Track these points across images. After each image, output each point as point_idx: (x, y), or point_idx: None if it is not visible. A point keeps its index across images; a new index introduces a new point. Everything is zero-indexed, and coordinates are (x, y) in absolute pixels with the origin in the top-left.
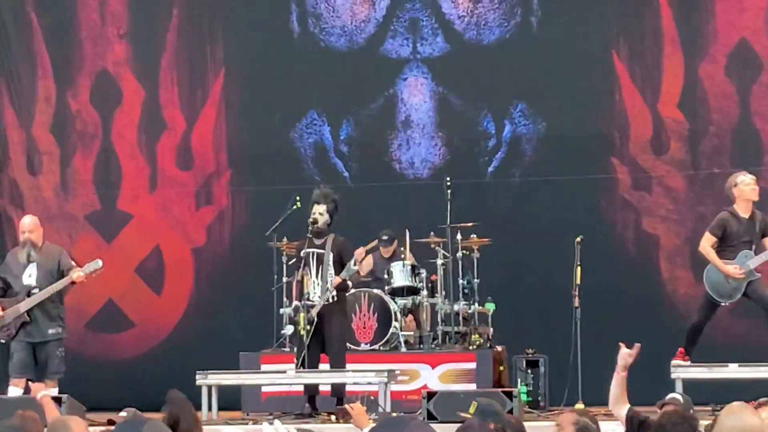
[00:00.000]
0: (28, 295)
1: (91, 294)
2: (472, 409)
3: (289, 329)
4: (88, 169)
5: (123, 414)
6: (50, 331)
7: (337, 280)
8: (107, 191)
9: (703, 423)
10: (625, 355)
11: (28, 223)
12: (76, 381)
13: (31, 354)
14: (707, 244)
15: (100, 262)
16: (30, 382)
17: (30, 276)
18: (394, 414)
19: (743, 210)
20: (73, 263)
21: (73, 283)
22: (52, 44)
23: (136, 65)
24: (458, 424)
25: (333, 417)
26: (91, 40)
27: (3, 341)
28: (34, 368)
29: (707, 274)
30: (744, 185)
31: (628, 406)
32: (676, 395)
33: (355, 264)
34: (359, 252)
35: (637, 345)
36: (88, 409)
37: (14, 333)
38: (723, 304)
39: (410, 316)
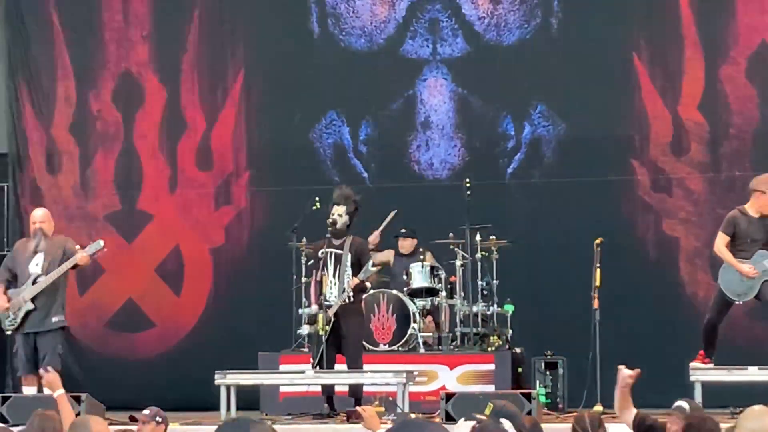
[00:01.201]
0: (33, 283)
1: (112, 293)
2: (487, 411)
3: (305, 329)
4: (108, 169)
5: (146, 412)
6: (54, 319)
7: (354, 281)
8: (128, 191)
9: (724, 426)
10: (626, 377)
11: (40, 214)
12: (96, 380)
13: (33, 346)
14: (721, 243)
15: (101, 242)
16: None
17: (36, 265)
18: (413, 415)
19: (754, 211)
20: (77, 247)
21: (75, 266)
22: (73, 45)
23: (158, 66)
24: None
25: (347, 417)
26: (114, 42)
27: (9, 333)
28: (37, 361)
29: (722, 273)
30: (766, 198)
31: (635, 411)
32: (682, 403)
33: (372, 265)
34: (374, 236)
35: (637, 370)
36: (108, 408)
37: (20, 323)
38: (737, 302)
39: (429, 318)
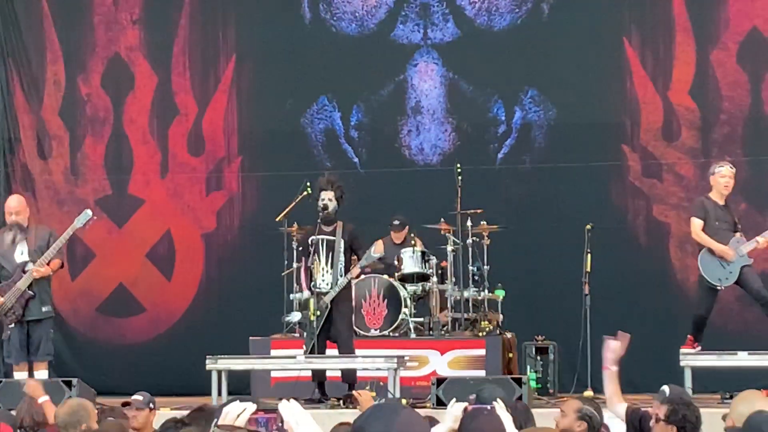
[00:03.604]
0: (23, 271)
1: (102, 278)
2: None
3: (294, 316)
4: (99, 153)
5: (138, 398)
6: (44, 309)
7: (357, 270)
8: (118, 176)
9: (713, 411)
10: (615, 347)
11: (14, 205)
12: (87, 365)
13: (25, 334)
14: (697, 227)
15: (89, 212)
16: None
17: (22, 254)
18: (404, 401)
19: (718, 198)
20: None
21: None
22: (62, 29)
23: (149, 50)
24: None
25: (341, 402)
26: (104, 25)
27: (12, 325)
28: (29, 348)
29: (701, 259)
30: (720, 177)
31: (626, 404)
32: (664, 388)
33: (375, 252)
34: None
35: (626, 335)
36: (98, 393)
37: (22, 313)
38: (719, 288)
39: (444, 312)
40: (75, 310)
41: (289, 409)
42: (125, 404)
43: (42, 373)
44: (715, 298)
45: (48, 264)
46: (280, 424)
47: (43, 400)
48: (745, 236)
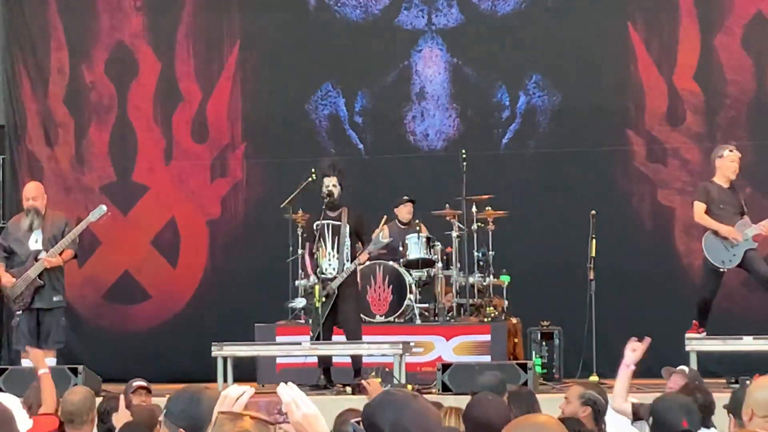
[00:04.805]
0: (36, 259)
1: (108, 265)
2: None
3: (298, 302)
4: (103, 141)
5: (138, 383)
6: (55, 299)
7: (365, 256)
8: (123, 163)
9: (719, 396)
10: (639, 348)
11: (32, 189)
12: (93, 352)
13: (35, 321)
14: (700, 210)
15: (104, 207)
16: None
17: (36, 241)
18: (409, 387)
19: (723, 182)
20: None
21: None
22: (66, 16)
23: (153, 38)
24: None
25: (348, 389)
26: (108, 13)
27: (20, 312)
28: (39, 335)
29: (705, 242)
30: (729, 161)
31: (631, 402)
32: (684, 367)
33: (383, 237)
34: (387, 232)
35: (648, 339)
36: (105, 380)
37: (30, 301)
38: (723, 270)
39: (449, 295)
40: (82, 297)
41: (288, 391)
42: (139, 389)
43: (50, 360)
44: (720, 281)
45: (60, 254)
46: (280, 407)
47: (43, 372)
48: (751, 220)
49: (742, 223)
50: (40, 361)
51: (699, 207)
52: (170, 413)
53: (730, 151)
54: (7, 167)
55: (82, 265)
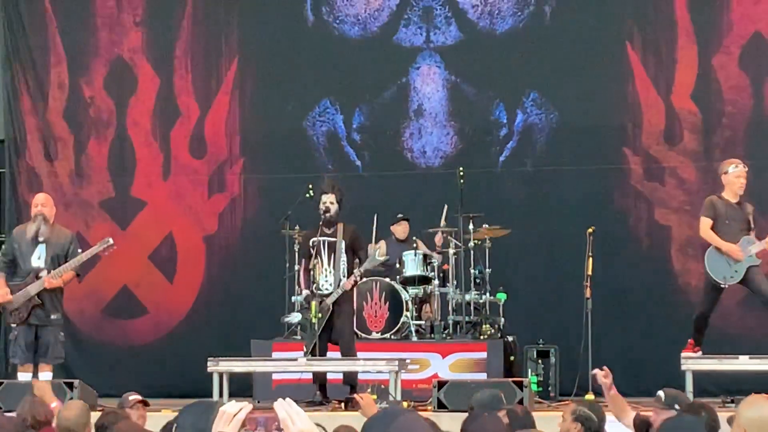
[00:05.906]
0: (37, 277)
1: (107, 280)
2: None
3: (293, 317)
4: (102, 155)
5: (134, 397)
6: (53, 317)
7: (359, 273)
8: (121, 178)
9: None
10: (601, 377)
11: (42, 197)
12: (90, 366)
13: (34, 336)
14: (706, 226)
15: (110, 240)
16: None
17: (39, 258)
18: (404, 404)
19: (731, 197)
20: (79, 251)
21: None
22: (66, 31)
23: (151, 53)
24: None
25: (343, 405)
26: (107, 28)
27: (14, 325)
28: (37, 350)
29: (708, 257)
30: (734, 177)
31: (633, 413)
32: (660, 393)
33: (379, 255)
34: (383, 250)
35: (606, 368)
36: (100, 395)
37: (26, 317)
38: (724, 286)
39: (428, 306)
40: (82, 311)
41: (284, 407)
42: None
43: (46, 375)
44: (718, 297)
45: (61, 276)
46: (278, 423)
47: (55, 405)
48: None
49: (747, 240)
50: (48, 395)
51: (705, 222)
52: (181, 426)
53: (735, 166)
54: (7, 181)
55: (83, 279)
